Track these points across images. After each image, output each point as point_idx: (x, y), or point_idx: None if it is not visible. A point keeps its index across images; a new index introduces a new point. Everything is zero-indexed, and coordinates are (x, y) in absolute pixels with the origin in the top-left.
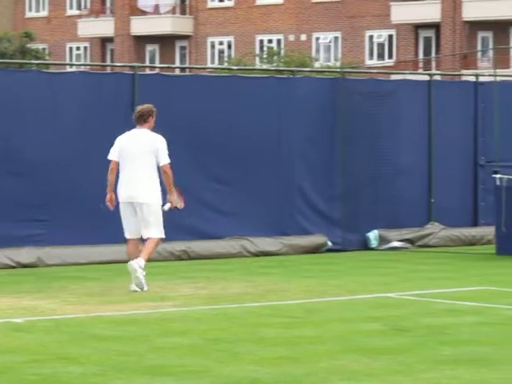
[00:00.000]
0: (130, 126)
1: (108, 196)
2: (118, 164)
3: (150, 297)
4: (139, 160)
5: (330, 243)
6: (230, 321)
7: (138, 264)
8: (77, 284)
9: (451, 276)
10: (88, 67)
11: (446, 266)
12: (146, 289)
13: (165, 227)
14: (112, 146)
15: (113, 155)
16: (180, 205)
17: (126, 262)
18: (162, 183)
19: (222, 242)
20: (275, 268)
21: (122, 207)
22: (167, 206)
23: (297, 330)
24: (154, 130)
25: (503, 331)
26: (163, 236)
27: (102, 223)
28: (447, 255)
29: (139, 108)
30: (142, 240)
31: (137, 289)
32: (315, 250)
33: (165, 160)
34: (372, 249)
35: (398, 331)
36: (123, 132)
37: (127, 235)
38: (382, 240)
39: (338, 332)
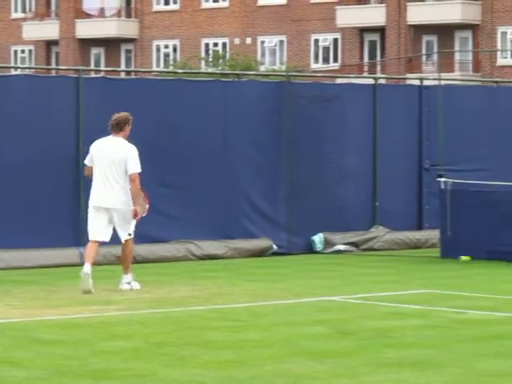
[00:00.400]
0: (75, 130)
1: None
2: (91, 169)
3: (95, 301)
4: (109, 168)
5: (275, 246)
6: (176, 324)
7: (125, 280)
8: (21, 288)
9: (396, 279)
10: (33, 70)
11: (391, 269)
12: (138, 287)
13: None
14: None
15: (88, 160)
16: (144, 212)
17: (69, 265)
18: None
19: (167, 246)
20: (221, 271)
21: (92, 211)
22: (134, 220)
23: (242, 333)
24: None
25: (447, 334)
26: (131, 233)
27: (45, 227)
28: (392, 258)
29: (116, 116)
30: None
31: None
32: (261, 253)
33: (134, 169)
34: (317, 252)
35: (342, 334)
36: (67, 135)
37: (91, 237)
38: (327, 243)
39: (283, 335)
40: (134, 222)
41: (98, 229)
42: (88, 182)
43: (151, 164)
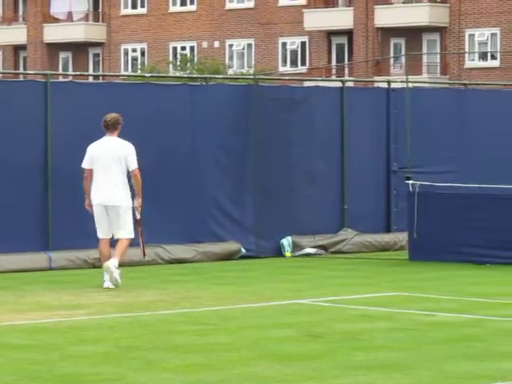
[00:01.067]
0: (43, 134)
1: (86, 202)
2: (91, 171)
3: (63, 305)
4: (112, 166)
5: (243, 250)
6: (144, 328)
7: (113, 264)
8: None
9: (364, 282)
10: (0, 75)
11: (360, 272)
12: (120, 282)
13: (78, 235)
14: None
15: (86, 163)
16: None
17: (37, 270)
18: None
19: (135, 250)
20: (189, 275)
21: (96, 210)
22: (138, 215)
23: (211, 337)
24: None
25: (415, 336)
26: (132, 236)
27: (13, 232)
28: (360, 261)
29: (110, 117)
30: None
31: (111, 286)
32: (229, 256)
33: (134, 165)
34: (285, 255)
35: (311, 337)
36: (35, 140)
37: (100, 235)
38: (296, 246)
39: (251, 339)
40: (131, 220)
41: (104, 226)
42: (57, 185)
43: None
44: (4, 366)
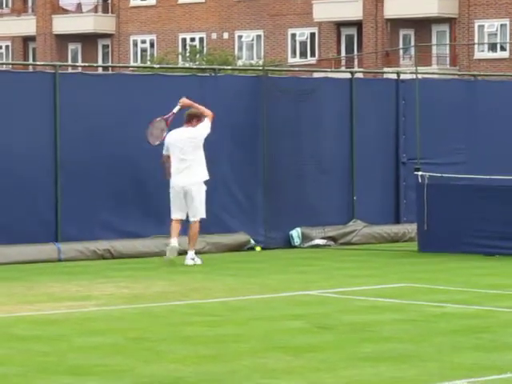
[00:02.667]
0: (52, 125)
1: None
2: (169, 157)
3: (72, 296)
4: (188, 152)
5: (252, 241)
6: (153, 320)
7: (189, 257)
8: None
9: (373, 273)
10: (10, 66)
11: (368, 263)
12: (199, 262)
13: (87, 226)
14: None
15: (165, 149)
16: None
17: (46, 261)
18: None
19: (145, 241)
20: (198, 266)
21: (173, 192)
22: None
23: (220, 328)
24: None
25: (424, 328)
26: (204, 216)
27: (21, 223)
28: (369, 252)
29: (190, 110)
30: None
31: (171, 256)
32: (238, 248)
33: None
34: (295, 246)
35: (319, 329)
36: (44, 131)
37: (172, 216)
38: (305, 238)
39: (260, 330)
40: (204, 202)
41: (175, 208)
42: (66, 177)
43: (129, 158)
44: (13, 358)
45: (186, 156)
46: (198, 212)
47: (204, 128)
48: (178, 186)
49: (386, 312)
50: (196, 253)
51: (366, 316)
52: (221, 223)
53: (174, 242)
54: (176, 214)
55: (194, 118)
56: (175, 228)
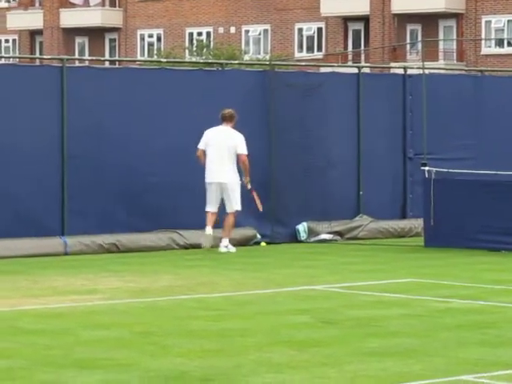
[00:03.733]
0: (59, 119)
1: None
2: (204, 152)
3: (78, 290)
4: (225, 150)
5: (259, 236)
6: (158, 314)
7: (223, 245)
8: (3, 277)
9: (379, 268)
10: (17, 60)
11: (375, 258)
12: (233, 250)
13: (93, 220)
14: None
15: (201, 145)
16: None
17: (52, 255)
18: None
19: (150, 235)
20: (204, 261)
21: (209, 186)
22: (249, 186)
23: (225, 322)
24: None
25: (430, 323)
26: (239, 208)
27: (27, 216)
28: (376, 247)
29: (227, 110)
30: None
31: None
32: (244, 242)
33: (242, 151)
34: (301, 241)
35: (325, 324)
36: (51, 125)
37: (209, 209)
38: (311, 232)
39: (265, 325)
40: (238, 195)
41: (211, 201)
42: (73, 171)
43: (133, 153)
44: (19, 351)
45: (223, 154)
46: (234, 205)
47: (242, 143)
48: (214, 183)
49: (392, 307)
50: (198, 247)
51: (372, 311)
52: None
53: (209, 229)
54: (211, 208)
55: (231, 118)
56: (210, 218)
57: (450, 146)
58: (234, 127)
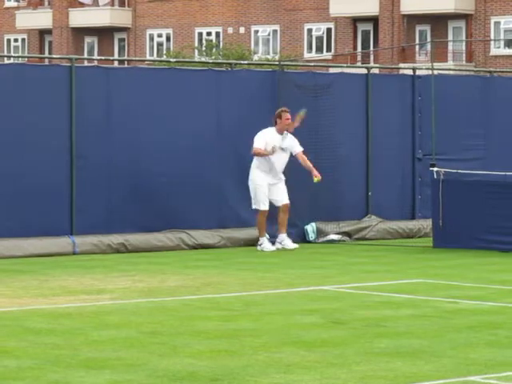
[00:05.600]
0: (68, 119)
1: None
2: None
3: (87, 290)
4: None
5: (267, 236)
6: (167, 314)
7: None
8: (12, 277)
9: (388, 269)
10: (26, 59)
11: (383, 258)
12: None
13: (102, 220)
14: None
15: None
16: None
17: (61, 254)
18: None
19: (159, 235)
20: (213, 261)
21: (261, 187)
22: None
23: (234, 322)
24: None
25: (439, 324)
26: (254, 207)
27: (35, 216)
28: (384, 248)
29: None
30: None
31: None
32: (253, 242)
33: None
34: (310, 242)
35: (334, 324)
36: (60, 124)
37: (262, 207)
38: (320, 233)
39: (275, 325)
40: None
41: (265, 201)
42: (82, 170)
43: (141, 153)
44: (27, 351)
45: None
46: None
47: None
48: (266, 184)
49: (401, 307)
50: (211, 247)
51: (381, 311)
52: (237, 217)
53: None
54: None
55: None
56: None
57: (459, 146)
58: (276, 127)
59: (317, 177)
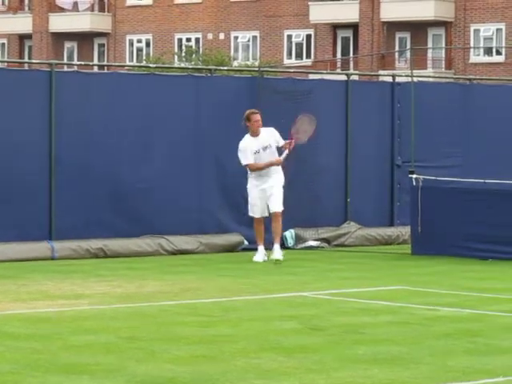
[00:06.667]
0: (47, 124)
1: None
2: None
3: (65, 295)
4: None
5: (246, 242)
6: (146, 319)
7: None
8: None
9: (366, 275)
10: (5, 64)
11: (362, 265)
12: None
13: (81, 225)
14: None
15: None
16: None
17: (40, 259)
18: None
19: (138, 241)
20: (191, 266)
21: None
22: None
23: (213, 328)
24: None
25: (417, 330)
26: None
27: (14, 220)
28: (363, 255)
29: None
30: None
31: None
32: (232, 248)
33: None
34: (288, 248)
35: (312, 330)
36: (39, 129)
37: (256, 215)
38: (299, 239)
39: (253, 331)
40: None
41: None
42: (61, 175)
43: (121, 158)
44: (5, 355)
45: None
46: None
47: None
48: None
49: (379, 314)
50: (190, 253)
51: (359, 318)
52: (216, 223)
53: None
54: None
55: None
56: None
57: (438, 153)
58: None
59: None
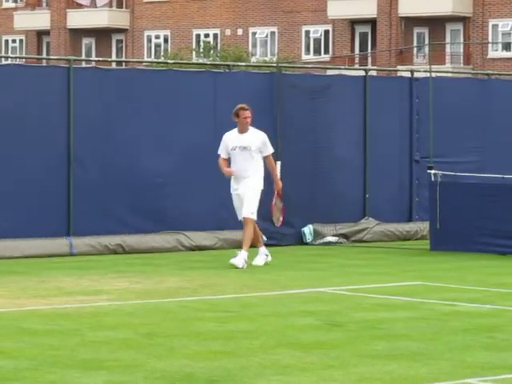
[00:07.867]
0: (65, 120)
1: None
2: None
3: (84, 291)
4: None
5: (265, 238)
6: (165, 315)
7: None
8: (10, 278)
9: (385, 271)
10: (23, 60)
11: (380, 260)
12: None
13: (99, 221)
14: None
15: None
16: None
17: (58, 255)
18: None
19: (156, 237)
20: (210, 262)
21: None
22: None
23: (231, 324)
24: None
25: (436, 326)
26: (247, 215)
27: (32, 216)
28: (381, 250)
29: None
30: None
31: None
32: (251, 244)
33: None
34: (307, 244)
35: (331, 326)
36: (57, 125)
37: (239, 217)
38: (317, 235)
39: (272, 326)
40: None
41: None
42: (79, 171)
43: (145, 158)
44: (24, 351)
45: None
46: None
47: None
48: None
49: (398, 310)
50: (208, 249)
51: (378, 314)
52: (234, 219)
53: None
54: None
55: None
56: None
57: (457, 149)
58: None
59: (278, 193)
